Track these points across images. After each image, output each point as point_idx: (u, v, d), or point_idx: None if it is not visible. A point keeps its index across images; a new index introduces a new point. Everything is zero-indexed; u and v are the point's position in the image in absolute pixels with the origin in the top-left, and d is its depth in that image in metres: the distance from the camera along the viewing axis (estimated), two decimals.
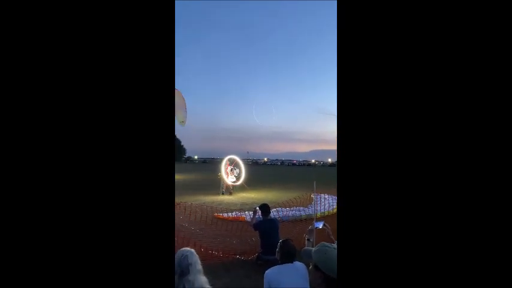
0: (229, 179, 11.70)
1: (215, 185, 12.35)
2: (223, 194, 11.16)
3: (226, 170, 11.85)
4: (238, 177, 11.98)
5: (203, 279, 1.66)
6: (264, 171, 35.82)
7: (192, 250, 1.73)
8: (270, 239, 3.59)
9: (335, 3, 1.25)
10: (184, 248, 1.75)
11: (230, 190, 11.46)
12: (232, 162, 12.28)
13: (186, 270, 1.63)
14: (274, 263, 2.24)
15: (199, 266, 1.70)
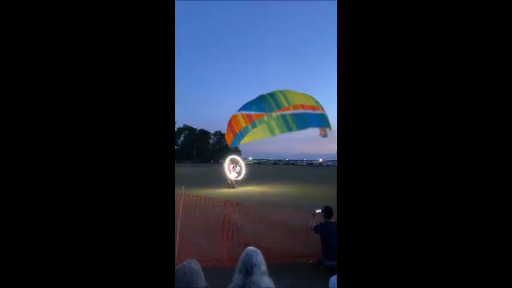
0: (232, 174, 13.94)
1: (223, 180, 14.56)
2: (234, 187, 13.19)
3: (229, 168, 14.18)
4: (239, 174, 14.24)
5: (268, 281, 1.65)
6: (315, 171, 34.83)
7: (258, 250, 1.73)
8: (332, 242, 3.43)
9: (335, 3, 1.22)
10: (250, 247, 1.76)
11: (234, 185, 13.55)
12: (233, 161, 14.54)
13: (250, 270, 1.62)
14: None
15: (264, 267, 1.68)
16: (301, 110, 7.31)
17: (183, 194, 4.10)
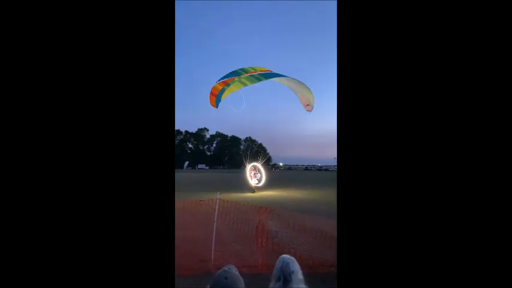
0: (252, 181, 14.97)
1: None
2: (254, 192, 14.28)
3: (250, 174, 15.17)
4: (259, 180, 15.20)
5: None
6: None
7: (293, 258, 1.74)
8: None
9: (335, 3, 1.23)
10: (285, 255, 1.77)
11: (253, 189, 14.58)
12: (255, 168, 15.50)
13: (288, 278, 1.63)
14: None
15: (300, 275, 1.68)
16: (266, 72, 10.05)
17: (218, 200, 4.23)
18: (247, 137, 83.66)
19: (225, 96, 9.25)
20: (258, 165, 15.46)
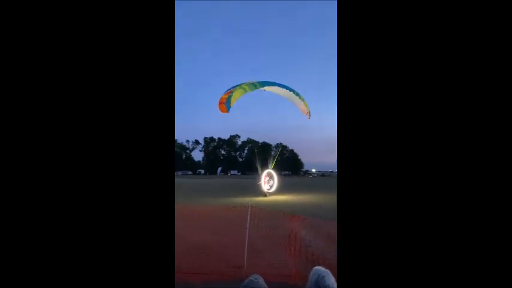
0: (265, 186, 16.11)
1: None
2: (265, 196, 15.56)
3: (264, 180, 16.21)
4: (271, 187, 16.33)
5: None
6: None
7: (328, 271, 1.65)
8: None
9: (335, 3, 1.22)
10: (319, 267, 1.70)
11: (265, 194, 15.88)
12: (269, 175, 16.49)
13: None
14: None
15: None
16: (263, 81, 12.45)
17: (250, 206, 4.23)
18: (278, 143, 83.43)
19: (234, 102, 11.38)
20: (272, 172, 16.59)
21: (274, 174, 16.46)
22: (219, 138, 79.49)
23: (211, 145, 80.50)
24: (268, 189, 16.02)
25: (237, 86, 11.71)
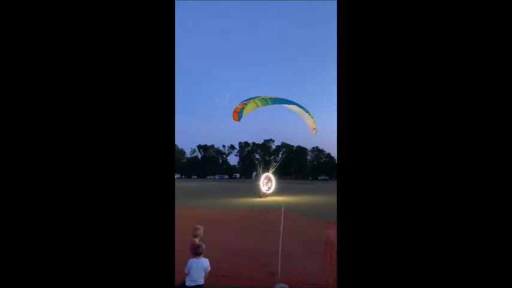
0: (263, 188, 17.81)
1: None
2: (260, 197, 16.87)
3: (263, 182, 17.94)
4: (269, 188, 18.06)
5: None
6: None
7: None
8: None
9: (335, 3, 1.25)
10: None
11: (262, 195, 17.37)
12: (267, 178, 18.32)
13: None
14: None
15: None
16: (275, 98, 13.85)
17: (283, 211, 4.16)
18: (314, 147, 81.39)
19: (245, 113, 13.09)
20: (271, 175, 18.50)
21: (273, 177, 18.39)
22: (253, 143, 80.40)
23: (246, 150, 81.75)
24: (267, 190, 17.76)
25: (251, 99, 13.36)
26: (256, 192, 18.16)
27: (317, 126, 14.50)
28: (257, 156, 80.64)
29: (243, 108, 13.03)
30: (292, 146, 79.18)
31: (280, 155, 78.81)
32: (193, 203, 12.16)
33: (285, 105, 13.87)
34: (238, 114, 12.90)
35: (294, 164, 76.26)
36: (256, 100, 13.25)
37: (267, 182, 18.12)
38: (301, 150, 79.93)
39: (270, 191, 17.80)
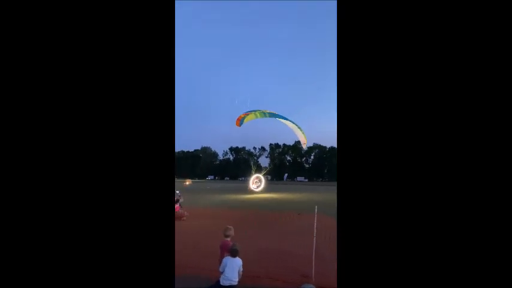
0: (252, 186, 20.88)
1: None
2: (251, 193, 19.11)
3: (253, 181, 21.08)
4: (258, 187, 20.89)
5: None
6: None
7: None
8: None
9: (335, 3, 1.24)
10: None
11: (250, 192, 20.00)
12: (257, 178, 21.29)
13: None
14: None
15: None
16: (272, 113, 15.92)
17: (316, 214, 4.08)
18: None
19: (246, 122, 15.61)
20: (261, 176, 21.59)
21: (262, 177, 21.71)
22: (284, 144, 79.79)
23: (277, 151, 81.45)
24: (255, 188, 20.83)
25: (252, 111, 15.78)
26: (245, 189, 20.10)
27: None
28: (288, 158, 79.88)
29: (244, 117, 15.69)
30: (325, 147, 76.99)
31: (312, 157, 77.09)
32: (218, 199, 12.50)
33: (281, 120, 15.99)
34: (240, 122, 15.74)
35: (327, 165, 73.98)
36: (256, 112, 15.78)
37: (257, 182, 21.46)
38: (335, 150, 77.28)
39: (258, 190, 20.71)
